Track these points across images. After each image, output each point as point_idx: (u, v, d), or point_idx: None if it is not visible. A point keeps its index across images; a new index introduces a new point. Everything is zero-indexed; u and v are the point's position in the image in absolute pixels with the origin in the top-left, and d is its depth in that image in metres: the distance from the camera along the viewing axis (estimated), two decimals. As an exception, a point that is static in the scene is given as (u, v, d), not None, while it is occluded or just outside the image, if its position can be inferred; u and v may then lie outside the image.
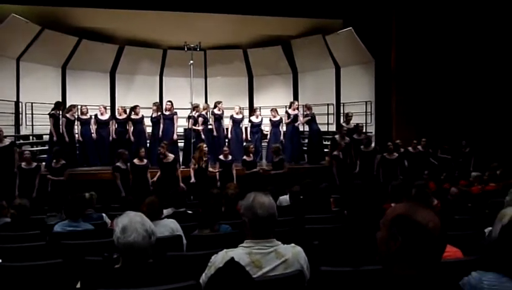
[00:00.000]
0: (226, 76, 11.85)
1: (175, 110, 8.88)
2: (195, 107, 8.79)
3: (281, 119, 9.48)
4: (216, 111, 9.41)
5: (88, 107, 9.06)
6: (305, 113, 9.67)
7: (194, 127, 8.58)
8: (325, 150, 9.59)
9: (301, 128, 10.00)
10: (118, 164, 6.95)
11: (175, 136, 8.63)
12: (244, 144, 8.02)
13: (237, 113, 9.50)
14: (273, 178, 7.32)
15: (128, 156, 7.01)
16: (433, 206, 4.01)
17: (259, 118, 9.64)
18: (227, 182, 6.04)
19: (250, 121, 9.75)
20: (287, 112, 9.54)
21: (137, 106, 8.97)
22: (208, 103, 9.74)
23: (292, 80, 11.96)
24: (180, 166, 7.54)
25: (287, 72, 11.91)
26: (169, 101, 8.92)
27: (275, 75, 12.03)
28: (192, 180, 7.00)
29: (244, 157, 7.59)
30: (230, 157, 7.47)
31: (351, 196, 4.00)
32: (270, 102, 11.28)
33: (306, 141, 9.86)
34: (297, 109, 9.48)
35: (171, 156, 7.09)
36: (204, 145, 7.28)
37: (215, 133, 9.19)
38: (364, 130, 9.08)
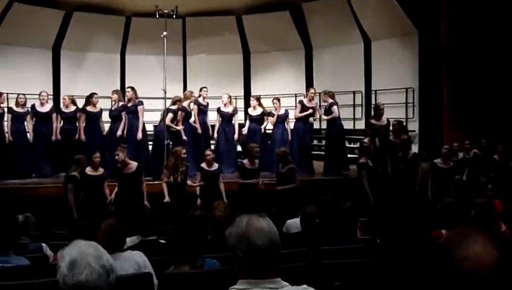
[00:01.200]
0: (212, 53, 11.92)
1: (140, 100, 8.93)
2: (176, 101, 8.89)
3: (286, 112, 9.58)
4: (200, 100, 9.48)
5: (22, 95, 8.85)
6: (324, 104, 9.72)
7: (170, 125, 8.65)
8: (350, 155, 9.67)
9: (316, 126, 10.14)
10: (74, 173, 6.95)
11: (139, 135, 8.66)
12: (252, 144, 7.94)
13: (225, 105, 9.50)
14: (278, 196, 7.33)
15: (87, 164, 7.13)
16: (500, 233, 4.03)
17: (258, 109, 9.61)
18: (212, 199, 6.00)
19: (247, 114, 9.87)
20: (301, 102, 9.54)
21: (95, 94, 9.02)
22: (191, 90, 9.75)
23: (305, 59, 11.96)
24: (145, 178, 7.48)
25: (297, 48, 11.78)
26: (131, 88, 8.95)
27: (280, 52, 12.04)
28: (166, 199, 7.01)
29: (245, 162, 7.60)
30: (216, 165, 7.50)
31: (385, 220, 4.04)
32: (273, 89, 11.39)
33: (323, 142, 10.00)
34: (313, 99, 9.54)
35: (132, 165, 7.09)
36: (183, 151, 7.25)
37: (199, 131, 9.23)
38: (397, 128, 8.75)
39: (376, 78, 10.94)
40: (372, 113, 9.16)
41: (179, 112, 8.90)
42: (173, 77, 10.80)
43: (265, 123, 9.60)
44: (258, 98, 9.76)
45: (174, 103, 8.89)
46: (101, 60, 11.52)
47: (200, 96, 9.50)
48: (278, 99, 9.64)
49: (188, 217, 4.68)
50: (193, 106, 9.30)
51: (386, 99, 9.99)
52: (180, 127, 8.83)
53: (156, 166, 8.37)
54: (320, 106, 10.00)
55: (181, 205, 6.77)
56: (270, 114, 9.59)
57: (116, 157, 7.06)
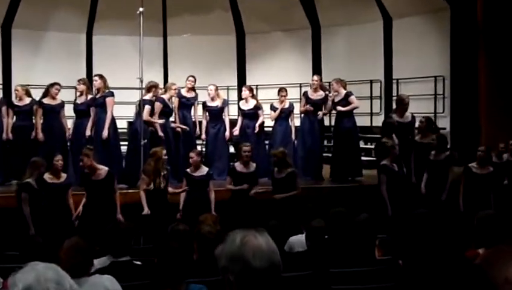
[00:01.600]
0: (199, 34, 11.96)
1: (109, 91, 8.90)
2: (151, 87, 8.90)
3: (291, 106, 9.64)
4: (184, 92, 9.56)
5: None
6: (333, 94, 9.62)
7: (149, 119, 8.68)
8: (366, 158, 9.71)
9: (326, 122, 10.15)
10: (28, 180, 6.90)
11: (104, 133, 8.62)
12: (242, 144, 7.98)
13: (212, 99, 9.55)
14: (277, 206, 7.30)
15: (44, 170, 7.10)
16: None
17: (251, 102, 9.62)
18: (199, 211, 6.00)
19: (239, 107, 9.97)
20: (305, 94, 9.61)
21: (57, 84, 8.97)
22: (173, 82, 9.74)
23: (312, 41, 11.92)
24: (118, 186, 7.46)
25: (303, 28, 12.11)
26: (99, 76, 8.95)
27: (282, 33, 12.46)
28: (145, 211, 7.03)
29: (236, 165, 7.67)
30: (204, 170, 7.53)
31: (409, 236, 4.06)
32: (273, 78, 11.64)
33: (332, 142, 10.02)
34: (322, 88, 9.56)
35: (102, 170, 7.07)
36: (164, 152, 7.26)
37: (178, 130, 9.24)
38: (425, 125, 8.70)
39: (398, 65, 10.98)
40: (394, 107, 9.21)
41: (156, 104, 8.88)
42: (151, 63, 10.74)
43: (260, 119, 9.56)
44: (251, 88, 9.81)
45: (148, 90, 8.83)
46: (62, 41, 11.49)
47: (184, 87, 9.57)
48: (285, 91, 9.66)
49: (169, 232, 4.68)
50: (175, 100, 9.37)
51: (411, 90, 10.03)
52: (158, 121, 8.82)
53: (132, 171, 8.38)
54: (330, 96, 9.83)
55: (163, 217, 6.79)
56: (272, 107, 9.63)
57: (81, 163, 7.04)
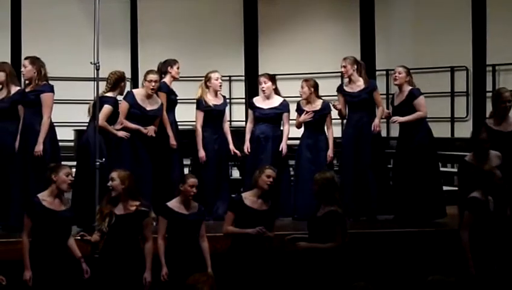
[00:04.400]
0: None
1: (46, 83, 8.86)
2: (118, 80, 9.08)
3: (326, 108, 9.67)
4: (167, 81, 9.68)
5: None
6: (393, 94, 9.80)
7: (106, 126, 8.83)
8: (446, 187, 9.76)
9: (383, 133, 10.37)
10: None
11: (38, 148, 8.64)
12: (272, 170, 7.88)
13: (216, 94, 9.76)
14: (303, 263, 7.27)
15: None
16: None
17: (275, 99, 9.80)
18: (188, 268, 6.39)
19: (251, 106, 10.01)
20: (340, 88, 9.73)
21: None
22: (152, 69, 9.74)
23: (360, 10, 12.12)
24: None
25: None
26: (30, 60, 8.95)
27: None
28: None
29: (245, 196, 7.63)
30: (195, 206, 7.51)
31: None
32: (298, 64, 11.65)
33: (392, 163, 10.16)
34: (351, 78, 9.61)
35: (65, 199, 7.27)
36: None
37: (173, 142, 9.46)
38: None
39: (495, 44, 11.13)
40: (491, 108, 9.20)
41: (123, 103, 8.98)
42: (113, 40, 10.71)
43: (286, 128, 9.68)
44: (273, 78, 9.87)
45: (113, 86, 8.88)
46: None
47: (167, 76, 9.63)
48: (313, 82, 9.67)
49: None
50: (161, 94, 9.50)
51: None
52: (122, 133, 8.90)
53: (81, 204, 8.41)
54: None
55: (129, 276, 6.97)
56: (299, 108, 9.61)
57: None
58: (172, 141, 9.47)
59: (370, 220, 9.37)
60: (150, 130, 9.11)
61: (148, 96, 9.24)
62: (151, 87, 9.20)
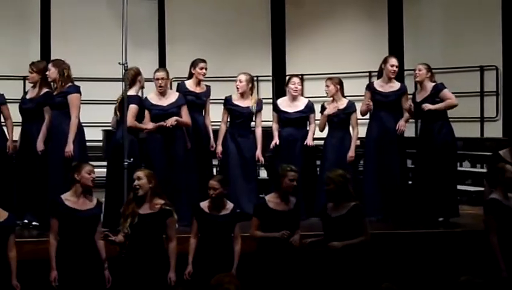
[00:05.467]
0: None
1: (72, 84, 8.96)
2: (135, 76, 9.08)
3: (351, 107, 9.74)
4: (189, 86, 9.69)
5: None
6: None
7: (135, 125, 8.91)
8: (474, 188, 9.91)
9: (409, 132, 10.37)
10: None
11: (69, 148, 8.71)
12: (285, 166, 7.87)
13: (242, 95, 9.76)
14: (334, 263, 7.22)
15: None
16: None
17: (301, 101, 9.89)
18: (215, 268, 6.37)
19: (275, 107, 10.06)
20: (371, 86, 9.72)
21: None
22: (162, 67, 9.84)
23: (388, 6, 12.21)
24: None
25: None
26: (54, 63, 9.01)
27: None
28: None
29: (268, 198, 7.64)
30: (228, 207, 7.54)
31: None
32: (325, 63, 11.77)
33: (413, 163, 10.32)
34: (392, 77, 9.65)
35: (91, 199, 7.25)
36: (147, 173, 7.26)
37: (188, 144, 9.43)
38: None
39: None
40: None
41: (147, 104, 9.07)
42: (141, 41, 10.76)
43: (311, 128, 9.76)
44: (301, 79, 9.87)
45: (132, 82, 8.90)
46: (7, 9, 11.88)
47: (190, 75, 9.66)
48: (338, 81, 9.73)
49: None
50: (173, 100, 9.47)
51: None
52: (148, 126, 8.99)
53: (112, 206, 8.55)
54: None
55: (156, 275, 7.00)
56: (323, 110, 9.64)
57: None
58: (188, 142, 9.49)
59: (394, 220, 9.41)
60: (170, 121, 9.14)
61: (162, 94, 9.32)
62: (159, 84, 9.32)
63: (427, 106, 9.21)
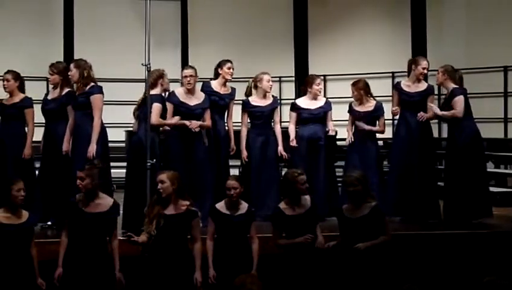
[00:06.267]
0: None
1: (95, 85, 8.97)
2: (158, 78, 9.16)
3: (379, 108, 9.76)
4: (214, 86, 9.72)
5: None
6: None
7: (160, 122, 9.02)
8: (499, 189, 9.91)
9: (435, 134, 10.29)
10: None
11: (92, 149, 8.72)
12: (293, 171, 7.88)
13: (265, 96, 9.82)
14: (358, 264, 7.23)
15: None
16: None
17: (321, 100, 9.92)
18: (234, 270, 6.44)
19: (294, 107, 10.01)
20: (397, 86, 9.69)
21: (11, 73, 9.25)
22: (191, 65, 9.80)
23: (411, 7, 12.14)
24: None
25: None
26: (74, 63, 9.07)
27: None
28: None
29: (282, 206, 7.59)
30: (243, 208, 7.55)
31: None
32: (348, 64, 11.59)
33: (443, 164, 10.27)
34: (421, 78, 9.56)
35: (105, 199, 7.28)
36: (170, 175, 7.25)
37: (205, 142, 9.43)
38: None
39: None
40: None
41: (168, 105, 9.09)
42: (164, 41, 10.76)
43: (330, 125, 9.74)
44: (324, 80, 10.04)
45: (154, 83, 8.92)
46: (30, 10, 11.76)
47: (217, 75, 9.70)
48: (361, 85, 9.72)
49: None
50: (199, 101, 9.49)
51: None
52: (172, 121, 9.08)
53: (133, 207, 8.55)
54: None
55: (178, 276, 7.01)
56: (351, 110, 9.68)
57: (80, 184, 7.08)
58: (205, 139, 9.49)
59: (419, 221, 9.35)
60: (193, 124, 9.19)
61: (190, 92, 9.34)
62: (187, 82, 9.31)
63: (434, 109, 9.33)
